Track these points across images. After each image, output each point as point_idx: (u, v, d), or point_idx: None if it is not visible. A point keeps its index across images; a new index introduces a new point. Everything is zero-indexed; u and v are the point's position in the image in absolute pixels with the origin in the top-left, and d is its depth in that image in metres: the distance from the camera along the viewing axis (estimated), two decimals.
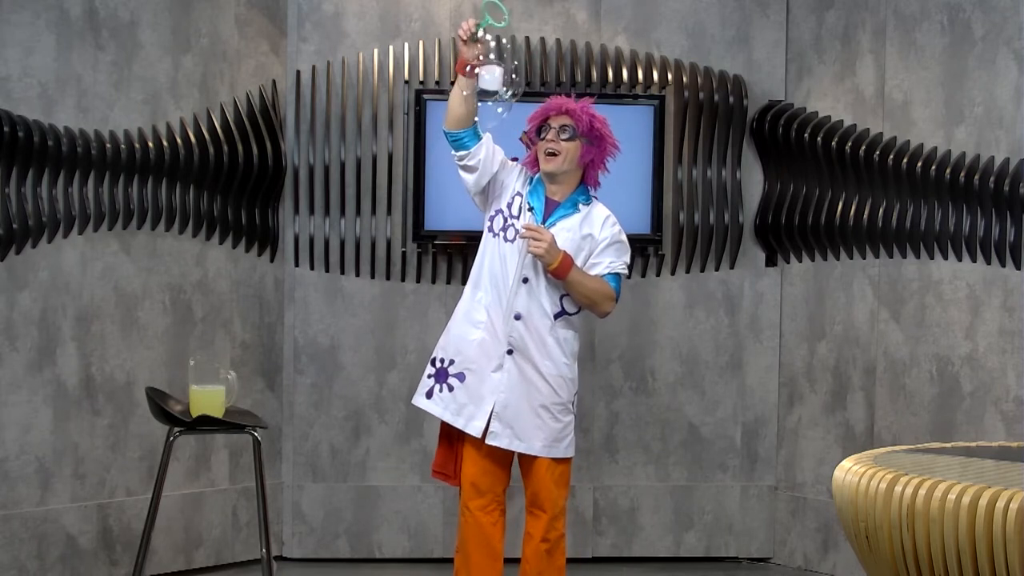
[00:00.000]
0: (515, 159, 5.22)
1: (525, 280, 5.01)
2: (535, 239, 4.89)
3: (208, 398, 5.46)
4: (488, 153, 5.08)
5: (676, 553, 6.92)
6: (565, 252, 4.95)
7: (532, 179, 5.12)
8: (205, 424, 5.45)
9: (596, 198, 5.18)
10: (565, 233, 5.02)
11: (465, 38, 4.94)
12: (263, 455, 5.60)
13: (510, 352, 5.01)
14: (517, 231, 5.02)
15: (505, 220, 5.07)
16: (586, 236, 5.05)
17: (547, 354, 5.02)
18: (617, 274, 5.07)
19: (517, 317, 5.01)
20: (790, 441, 6.87)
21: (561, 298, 5.04)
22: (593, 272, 5.03)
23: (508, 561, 5.17)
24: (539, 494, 5.06)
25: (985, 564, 3.96)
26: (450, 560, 6.65)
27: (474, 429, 5.03)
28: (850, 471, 4.43)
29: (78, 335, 5.99)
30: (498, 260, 5.05)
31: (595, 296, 5.02)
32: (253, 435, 5.53)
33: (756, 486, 6.94)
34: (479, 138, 5.07)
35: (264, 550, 5.64)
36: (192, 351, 6.30)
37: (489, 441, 5.01)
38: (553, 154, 5.02)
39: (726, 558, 6.97)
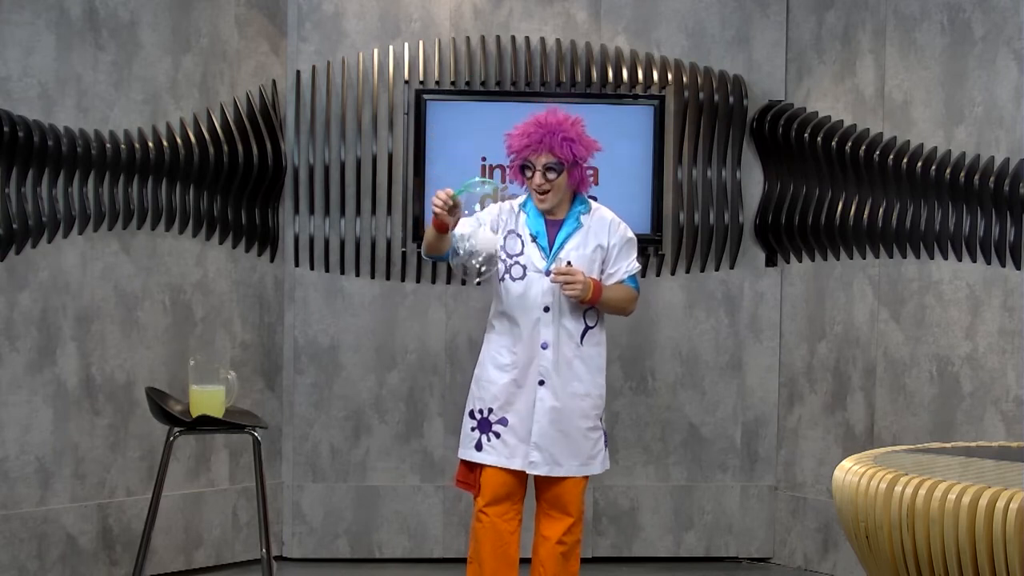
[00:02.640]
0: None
1: (546, 309, 5.01)
2: (568, 282, 4.91)
3: (208, 398, 5.46)
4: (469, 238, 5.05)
5: (676, 553, 6.92)
6: (593, 280, 4.97)
7: (522, 206, 5.11)
8: (205, 424, 5.46)
9: (594, 198, 5.18)
10: (574, 252, 5.03)
11: (443, 209, 4.81)
12: (263, 455, 5.60)
13: (541, 383, 5.01)
14: (524, 267, 5.03)
15: (506, 263, 5.06)
16: (596, 248, 5.06)
17: (575, 376, 5.03)
18: (634, 274, 5.14)
19: (544, 346, 5.01)
20: (790, 441, 6.87)
21: (584, 314, 5.05)
22: (613, 281, 5.08)
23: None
24: (563, 497, 5.06)
25: (985, 564, 3.96)
26: (450, 560, 6.68)
27: (532, 467, 5.02)
28: (850, 471, 4.43)
29: (78, 335, 5.99)
30: (513, 299, 5.04)
31: (622, 304, 5.11)
32: (253, 435, 5.53)
33: (756, 486, 6.94)
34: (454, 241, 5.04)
35: (264, 550, 5.64)
36: (192, 351, 6.30)
37: (530, 471, 5.01)
38: (545, 192, 5.02)
39: (726, 558, 6.97)
